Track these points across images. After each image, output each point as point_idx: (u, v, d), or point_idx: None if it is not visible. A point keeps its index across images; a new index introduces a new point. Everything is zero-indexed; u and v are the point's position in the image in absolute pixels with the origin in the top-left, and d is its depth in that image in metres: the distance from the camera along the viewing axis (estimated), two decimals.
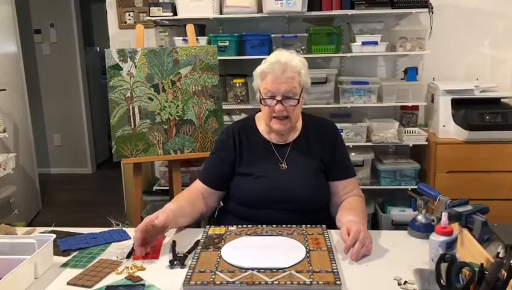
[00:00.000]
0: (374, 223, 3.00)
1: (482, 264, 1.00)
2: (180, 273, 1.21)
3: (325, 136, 1.66)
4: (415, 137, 2.83)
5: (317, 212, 1.59)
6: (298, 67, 1.54)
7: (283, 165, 1.61)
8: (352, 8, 2.73)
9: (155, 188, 2.98)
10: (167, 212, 1.44)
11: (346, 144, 2.81)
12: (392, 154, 3.09)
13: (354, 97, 2.84)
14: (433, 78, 2.96)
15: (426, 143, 2.80)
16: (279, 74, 1.52)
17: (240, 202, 1.61)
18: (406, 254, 1.32)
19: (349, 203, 1.58)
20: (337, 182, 1.63)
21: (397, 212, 2.87)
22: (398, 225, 2.82)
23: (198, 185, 1.65)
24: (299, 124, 1.68)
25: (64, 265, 1.30)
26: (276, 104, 1.53)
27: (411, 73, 2.89)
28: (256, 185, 1.58)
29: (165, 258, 1.32)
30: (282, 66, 1.52)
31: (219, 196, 1.67)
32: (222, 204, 1.75)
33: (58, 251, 1.37)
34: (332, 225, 1.55)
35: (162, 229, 1.39)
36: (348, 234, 1.33)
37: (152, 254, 1.35)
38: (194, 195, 1.62)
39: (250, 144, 1.65)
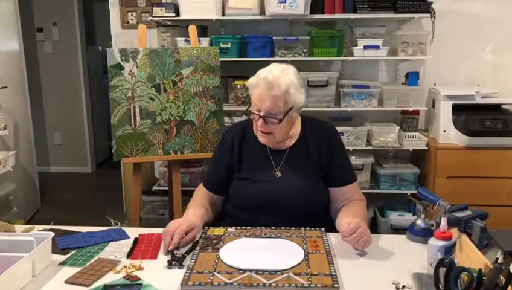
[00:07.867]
0: (373, 228, 2.99)
1: (480, 269, 1.00)
2: (178, 273, 1.21)
3: (324, 141, 1.62)
4: (415, 142, 2.83)
5: (314, 218, 1.57)
6: (286, 85, 1.48)
7: (277, 173, 1.60)
8: (354, 11, 2.73)
9: (154, 188, 2.98)
10: (196, 216, 1.51)
11: (346, 148, 2.83)
12: (392, 159, 3.09)
13: (355, 101, 2.84)
14: (434, 83, 2.96)
15: (426, 148, 2.80)
16: (264, 91, 1.48)
17: (236, 205, 1.62)
18: (404, 259, 1.32)
19: (349, 207, 1.58)
20: (337, 188, 1.61)
21: (396, 217, 2.87)
22: (397, 230, 2.81)
23: (203, 189, 1.70)
24: (297, 130, 1.65)
25: (63, 263, 1.30)
26: (258, 119, 1.52)
27: (412, 78, 2.89)
28: (252, 189, 1.58)
29: (163, 258, 1.32)
30: (268, 84, 1.48)
31: (222, 200, 1.70)
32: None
33: (56, 249, 1.37)
34: (331, 229, 1.53)
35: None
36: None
37: (150, 253, 1.35)
38: (206, 199, 1.66)
39: (249, 148, 1.64)
